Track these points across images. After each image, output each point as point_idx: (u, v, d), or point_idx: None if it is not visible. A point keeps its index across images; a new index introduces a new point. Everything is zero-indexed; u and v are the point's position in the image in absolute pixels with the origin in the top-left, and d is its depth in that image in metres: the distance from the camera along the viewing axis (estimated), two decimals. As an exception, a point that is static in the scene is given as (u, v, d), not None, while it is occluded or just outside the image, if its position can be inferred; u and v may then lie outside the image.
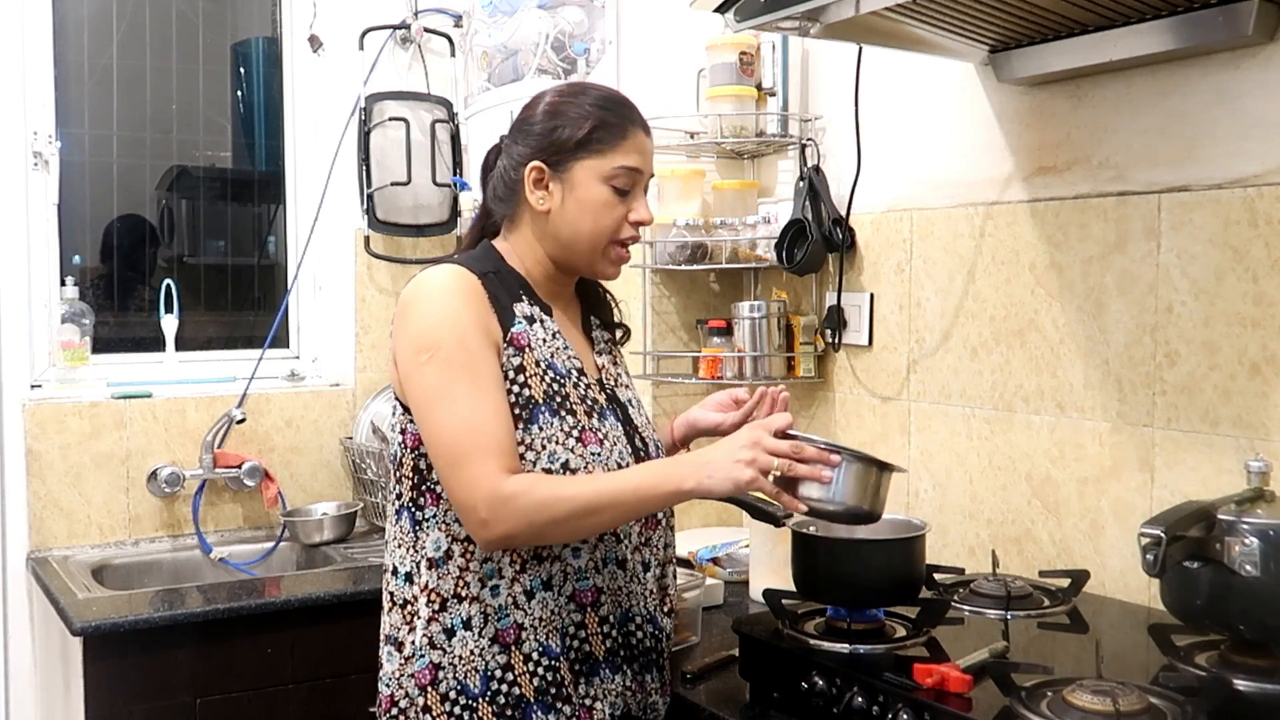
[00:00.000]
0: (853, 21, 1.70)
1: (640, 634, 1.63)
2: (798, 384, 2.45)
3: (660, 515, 1.68)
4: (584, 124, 1.59)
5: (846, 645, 1.59)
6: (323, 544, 2.81)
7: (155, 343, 2.95)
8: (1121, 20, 1.73)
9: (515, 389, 1.53)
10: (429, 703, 1.54)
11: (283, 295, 3.10)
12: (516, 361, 1.55)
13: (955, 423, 2.15)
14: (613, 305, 1.78)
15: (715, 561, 2.32)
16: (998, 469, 2.07)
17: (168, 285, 2.92)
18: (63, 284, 2.81)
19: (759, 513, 1.99)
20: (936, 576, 1.87)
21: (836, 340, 2.36)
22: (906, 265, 2.23)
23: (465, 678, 1.53)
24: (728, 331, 2.45)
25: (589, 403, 1.59)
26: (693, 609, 1.97)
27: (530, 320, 1.59)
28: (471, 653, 1.53)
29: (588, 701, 1.57)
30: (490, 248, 1.66)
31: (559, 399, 1.55)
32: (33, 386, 2.77)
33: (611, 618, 1.60)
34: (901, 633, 1.64)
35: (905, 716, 1.41)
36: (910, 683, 1.43)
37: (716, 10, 1.79)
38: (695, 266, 2.48)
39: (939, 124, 2.16)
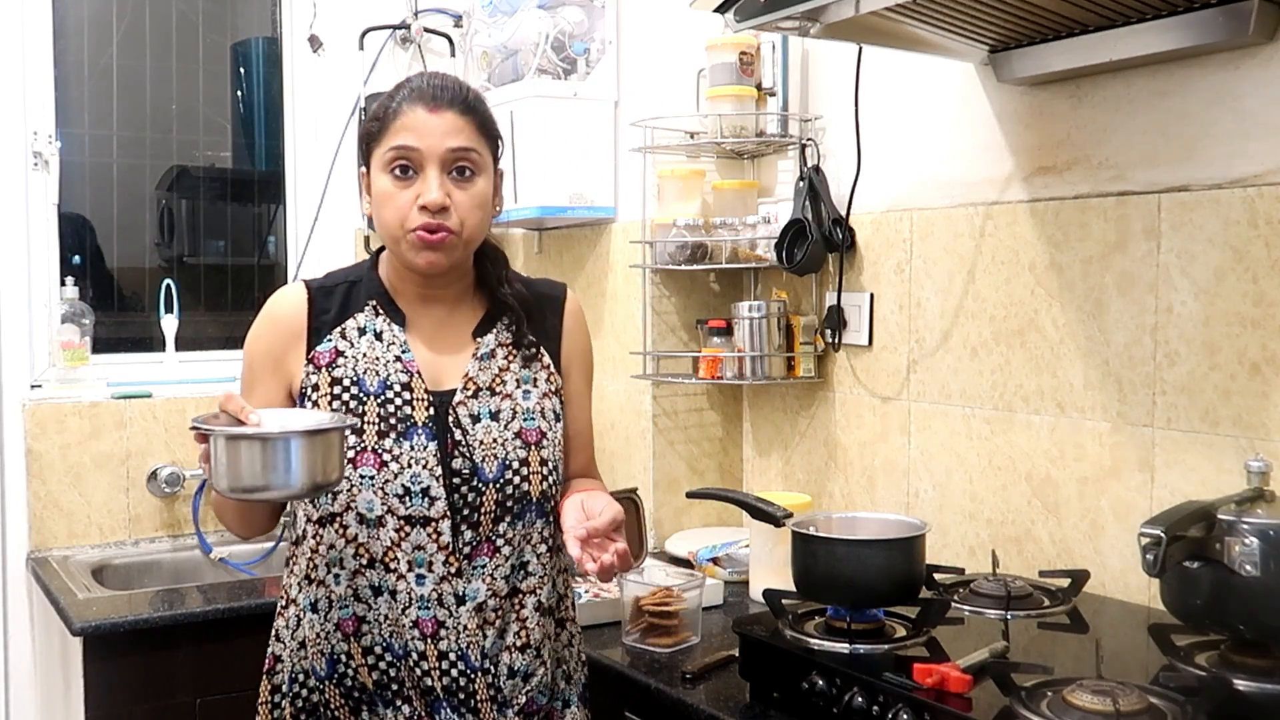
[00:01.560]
0: (853, 21, 1.70)
1: (424, 669, 1.52)
2: (798, 384, 2.45)
3: (490, 541, 1.55)
4: (368, 119, 1.59)
5: (846, 645, 1.59)
6: (323, 544, 2.81)
7: (155, 343, 2.95)
8: (1121, 20, 1.73)
9: (307, 407, 1.56)
10: (261, 688, 1.63)
11: (283, 295, 3.10)
12: (313, 380, 1.56)
13: (955, 423, 2.14)
14: (519, 314, 1.63)
15: (715, 561, 2.32)
16: (998, 469, 2.07)
17: (168, 285, 2.92)
18: (63, 284, 2.81)
19: (759, 513, 1.99)
20: (936, 576, 1.87)
21: (836, 340, 2.36)
22: (906, 265, 2.23)
23: (285, 673, 1.60)
24: (728, 331, 2.45)
25: (391, 421, 1.53)
26: (693, 609, 1.97)
27: (362, 333, 1.58)
28: (290, 651, 1.60)
29: None
30: (374, 256, 1.65)
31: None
32: (33, 386, 2.77)
33: (378, 649, 1.54)
34: (901, 633, 1.64)
35: (905, 716, 1.41)
36: (910, 683, 1.43)
37: (716, 10, 1.79)
38: (695, 266, 2.48)
39: (939, 124, 2.16)
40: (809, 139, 2.37)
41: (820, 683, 1.54)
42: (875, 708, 1.46)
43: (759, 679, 1.68)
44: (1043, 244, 1.98)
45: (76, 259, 2.89)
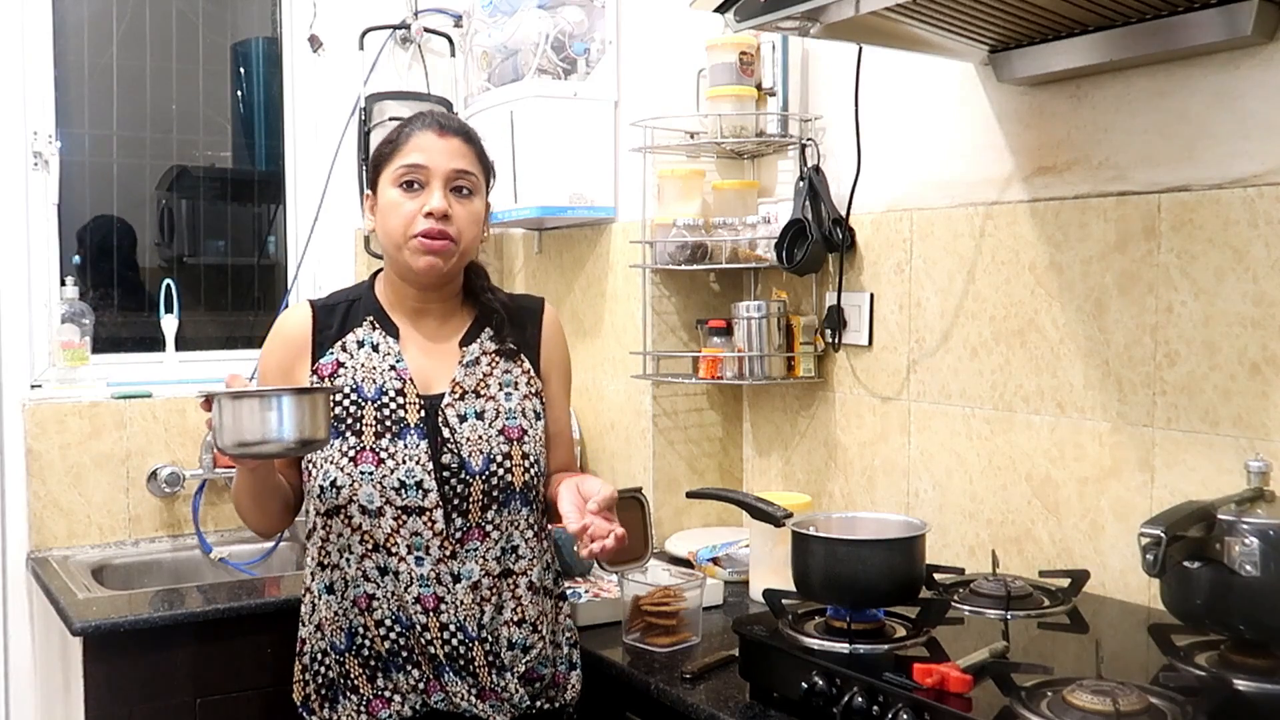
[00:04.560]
0: (853, 21, 1.70)
1: (427, 638, 1.71)
2: (798, 384, 2.45)
3: (480, 526, 1.72)
4: (381, 144, 1.79)
5: (846, 645, 1.59)
6: (323, 544, 2.81)
7: (155, 343, 2.95)
8: (1121, 20, 1.73)
9: None
10: (294, 667, 1.83)
11: (283, 295, 3.10)
12: None
13: (955, 423, 2.15)
14: (503, 319, 1.83)
15: (715, 561, 2.33)
16: (998, 469, 2.07)
17: (168, 285, 2.92)
18: (63, 284, 2.81)
19: (759, 513, 1.99)
20: (936, 576, 1.87)
21: (836, 340, 2.36)
22: (906, 265, 2.23)
23: (308, 654, 1.79)
24: (728, 331, 2.45)
25: (387, 423, 1.72)
26: (693, 609, 1.97)
27: (360, 345, 1.78)
28: (309, 633, 1.80)
29: (386, 694, 1.74)
30: (372, 277, 1.86)
31: (349, 421, 1.72)
32: (33, 386, 2.77)
33: (388, 621, 1.73)
34: (901, 633, 1.64)
35: (905, 716, 1.41)
36: (910, 683, 1.43)
37: (716, 10, 1.79)
38: (695, 266, 2.48)
39: (939, 124, 2.16)
40: (809, 139, 2.37)
41: (820, 683, 1.54)
42: (875, 708, 1.46)
43: (759, 679, 1.68)
44: (1043, 244, 1.98)
45: (76, 259, 2.89)
